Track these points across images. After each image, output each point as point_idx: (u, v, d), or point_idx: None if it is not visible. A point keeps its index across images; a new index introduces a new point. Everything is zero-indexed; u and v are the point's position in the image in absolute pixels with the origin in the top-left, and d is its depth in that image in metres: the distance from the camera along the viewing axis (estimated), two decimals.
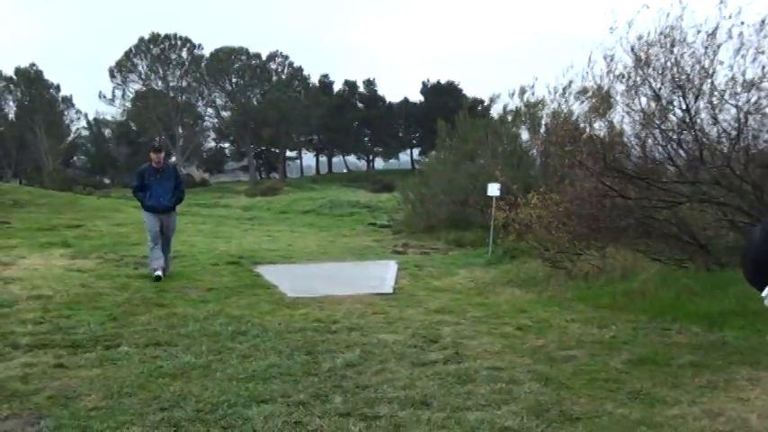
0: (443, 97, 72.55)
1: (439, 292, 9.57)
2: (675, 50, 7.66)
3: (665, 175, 8.47)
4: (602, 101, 9.65)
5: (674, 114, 8.02)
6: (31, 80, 71.29)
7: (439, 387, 5.19)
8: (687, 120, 7.92)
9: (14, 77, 71.43)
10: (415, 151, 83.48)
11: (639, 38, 7.91)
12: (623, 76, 8.29)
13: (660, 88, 7.87)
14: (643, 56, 7.86)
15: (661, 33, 7.74)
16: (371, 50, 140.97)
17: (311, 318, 7.75)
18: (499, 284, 10.26)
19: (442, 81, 77.93)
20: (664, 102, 7.88)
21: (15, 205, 18.12)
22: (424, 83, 79.17)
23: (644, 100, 8.34)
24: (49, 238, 13.76)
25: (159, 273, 10.17)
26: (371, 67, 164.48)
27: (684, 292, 7.85)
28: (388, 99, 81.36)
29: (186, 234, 17.04)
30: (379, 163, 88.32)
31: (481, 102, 49.15)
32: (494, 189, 13.05)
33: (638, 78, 8.01)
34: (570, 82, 10.28)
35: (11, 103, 72.75)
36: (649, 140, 8.37)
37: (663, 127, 8.19)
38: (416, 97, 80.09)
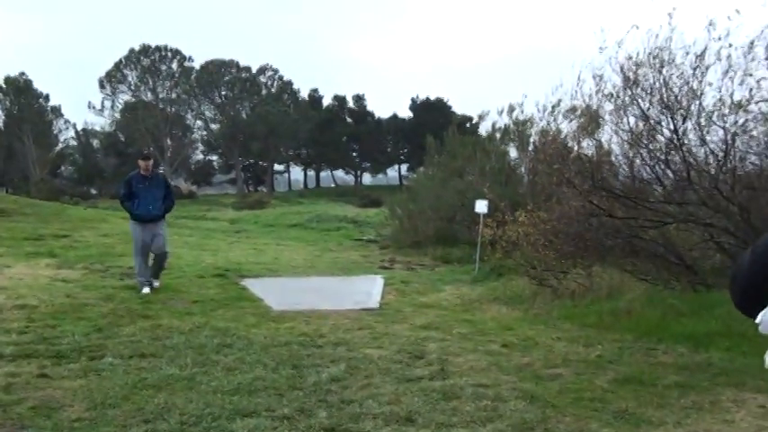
0: (432, 114, 72.73)
1: (425, 309, 9.57)
2: (664, 71, 7.73)
3: (653, 195, 8.52)
4: (590, 120, 9.71)
5: (662, 135, 8.08)
6: (20, 89, 71.00)
7: (424, 403, 5.18)
8: (675, 140, 7.98)
9: (3, 86, 71.14)
10: (404, 167, 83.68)
11: (629, 58, 7.98)
12: (612, 96, 8.35)
13: (648, 108, 7.94)
14: (632, 76, 7.93)
15: (650, 54, 7.81)
16: (361, 66, 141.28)
17: (297, 332, 7.72)
18: (485, 301, 10.26)
19: (432, 98, 78.22)
20: (652, 122, 7.94)
21: (1, 214, 18.01)
22: (413, 99, 79.43)
23: (632, 120, 8.40)
24: (35, 248, 13.68)
25: (146, 290, 9.84)
26: (361, 82, 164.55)
27: (670, 312, 7.88)
28: (377, 114, 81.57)
29: (173, 246, 16.82)
30: (366, 178, 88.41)
31: (470, 119, 49.42)
32: (481, 206, 13.08)
33: (626, 98, 8.08)
34: (559, 100, 10.35)
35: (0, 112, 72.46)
36: (637, 160, 8.43)
37: (651, 147, 8.25)
38: (405, 113, 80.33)
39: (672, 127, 8.00)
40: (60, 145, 78.36)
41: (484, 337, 7.66)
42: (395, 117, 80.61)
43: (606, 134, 9.41)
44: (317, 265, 14.77)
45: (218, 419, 4.70)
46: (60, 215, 19.93)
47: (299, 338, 7.36)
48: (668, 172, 8.57)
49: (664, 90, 7.73)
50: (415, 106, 78.53)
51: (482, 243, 12.89)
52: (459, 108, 77.82)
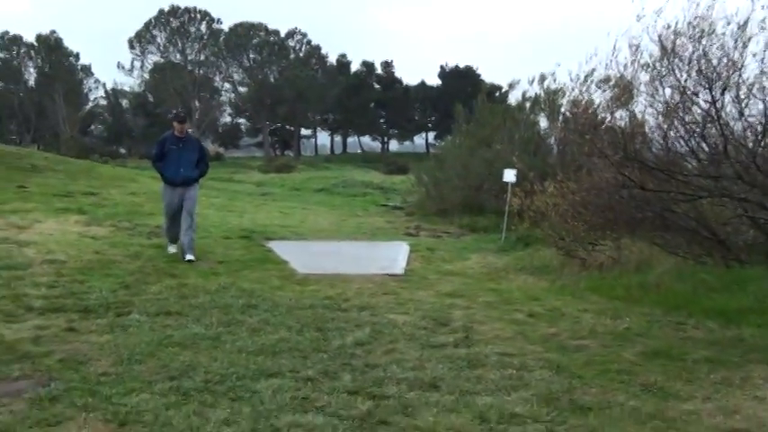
0: (461, 81, 72.27)
1: (450, 276, 9.51)
2: (704, 42, 7.52)
3: (686, 168, 8.34)
4: (623, 90, 9.51)
5: (699, 107, 7.88)
6: (51, 47, 71.46)
7: (449, 370, 5.15)
8: (713, 113, 7.78)
9: (35, 44, 71.59)
10: (431, 135, 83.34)
11: (667, 27, 7.77)
12: (648, 66, 8.16)
13: (686, 80, 7.74)
14: (670, 46, 7.72)
15: (690, 23, 7.59)
16: (390, 32, 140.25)
17: (322, 295, 7.72)
18: (512, 271, 10.18)
19: (461, 65, 77.57)
20: (689, 93, 7.74)
21: (33, 170, 18.13)
22: (442, 66, 78.99)
23: (668, 91, 8.20)
24: (64, 204, 13.77)
25: (172, 249, 9.76)
26: (390, 48, 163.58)
27: (701, 287, 7.75)
28: (405, 81, 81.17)
29: (199, 207, 16.96)
30: (393, 145, 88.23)
31: (499, 88, 48.93)
32: (510, 175, 12.94)
33: (663, 69, 7.88)
34: (593, 70, 10.10)
35: (31, 70, 73.03)
36: (672, 132, 8.23)
37: (686, 119, 8.05)
38: (434, 81, 79.82)
39: (709, 99, 7.80)
40: (90, 104, 79.04)
41: (510, 306, 7.60)
42: (423, 84, 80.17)
43: (640, 105, 9.22)
44: (342, 230, 14.75)
45: (243, 379, 4.70)
46: (90, 173, 20.05)
47: (324, 302, 7.36)
48: (703, 145, 8.38)
49: (702, 61, 7.53)
50: (444, 74, 78.02)
51: (510, 212, 12.76)
52: (487, 77, 77.21)
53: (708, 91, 7.75)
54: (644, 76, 8.59)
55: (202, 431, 3.85)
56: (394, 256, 10.89)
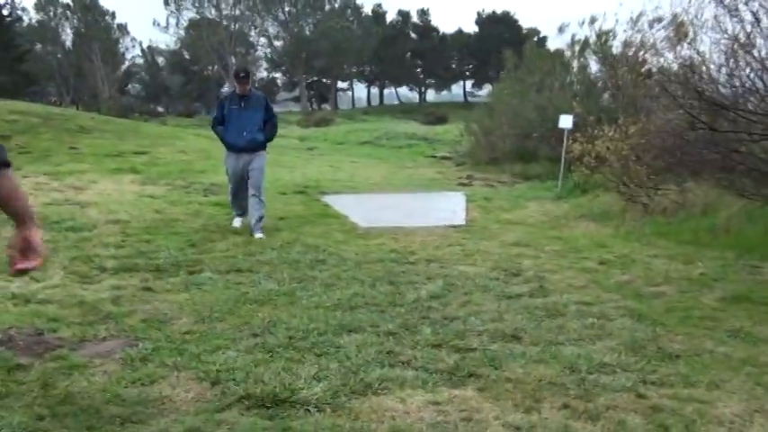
0: (498, 28, 71.19)
1: (511, 225, 9.41)
2: None
3: (758, 107, 8.04)
4: (678, 29, 9.20)
5: None
6: (86, 7, 71.53)
7: (528, 320, 5.10)
8: None
9: (71, 4, 71.78)
10: (468, 83, 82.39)
11: None
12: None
13: (758, 11, 7.42)
14: None
15: None
16: None
17: (387, 248, 7.69)
18: (572, 218, 10.05)
19: (498, 11, 76.22)
20: (762, 28, 7.42)
21: (81, 131, 18.30)
22: (478, 13, 77.66)
23: (737, 26, 7.88)
24: (117, 164, 13.90)
25: (237, 223, 8.71)
26: None
27: None
28: (441, 30, 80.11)
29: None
30: (430, 95, 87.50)
31: (537, 32, 47.99)
32: (566, 121, 12.66)
33: (735, 3, 7.56)
34: (642, 11, 9.74)
35: (68, 30, 73.32)
36: (747, 69, 7.92)
37: (756, 55, 7.74)
38: (471, 28, 78.61)
39: None
40: (127, 63, 79.30)
41: (578, 254, 7.50)
42: (460, 32, 79.02)
43: (703, 45, 8.90)
44: (394, 182, 14.69)
45: (325, 334, 4.69)
46: (137, 132, 20.17)
47: (391, 255, 7.32)
48: None
49: None
50: (481, 20, 76.79)
51: (569, 159, 12.54)
52: (525, 22, 75.77)
53: None
54: (708, 12, 8.29)
55: (294, 387, 3.84)
56: (452, 207, 10.81)
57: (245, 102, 8.41)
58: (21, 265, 2.49)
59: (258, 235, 8.21)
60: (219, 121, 8.52)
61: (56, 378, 3.90)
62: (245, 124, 8.35)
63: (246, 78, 8.46)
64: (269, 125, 8.59)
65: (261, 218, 8.43)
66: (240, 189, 8.59)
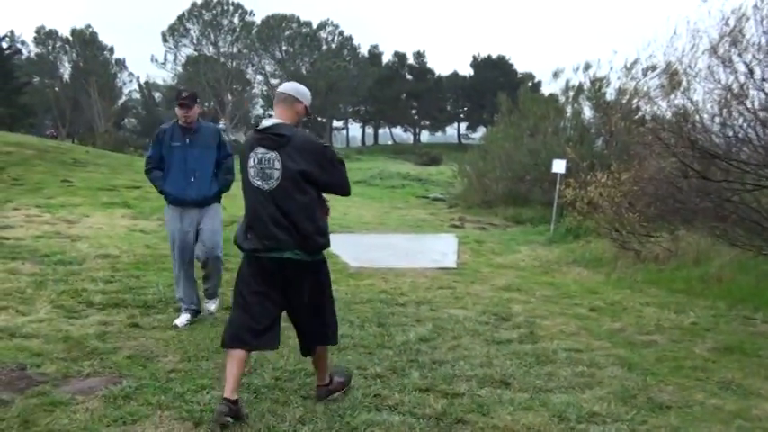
0: (493, 71, 71.95)
1: (503, 269, 9.39)
2: None
3: (751, 157, 8.09)
4: (671, 78, 9.31)
5: (765, 91, 7.63)
6: (86, 42, 72.09)
7: (517, 366, 5.06)
8: None
9: (70, 38, 72.32)
10: (463, 125, 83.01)
11: (733, 11, 7.54)
12: (711, 50, 7.92)
13: (751, 62, 7.50)
14: (736, 29, 7.49)
15: (755, 6, 7.36)
16: (422, 22, 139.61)
17: (377, 289, 7.66)
18: (564, 263, 10.02)
19: (493, 55, 77.07)
20: (755, 79, 7.50)
21: (76, 164, 18.30)
22: (474, 56, 78.54)
23: (731, 77, 7.97)
24: (110, 198, 13.85)
25: (182, 320, 5.92)
26: (422, 39, 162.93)
27: (765, 279, 7.56)
28: (437, 72, 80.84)
29: (242, 200, 17.01)
30: (424, 136, 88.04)
31: (532, 77, 48.49)
32: (559, 166, 12.72)
33: (728, 54, 7.65)
34: (636, 59, 9.85)
35: (66, 64, 73.73)
36: (740, 119, 7.97)
37: (748, 106, 7.81)
38: (466, 71, 79.39)
39: None
40: (124, 97, 79.66)
41: (569, 300, 7.47)
42: (455, 75, 79.81)
43: (697, 94, 8.99)
44: (387, 222, 14.67)
45: (312, 376, 4.63)
46: (131, 166, 20.17)
47: (381, 296, 7.29)
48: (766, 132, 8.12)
49: None
50: (476, 63, 77.60)
51: (561, 204, 12.56)
52: (520, 67, 76.66)
53: None
54: (704, 62, 8.38)
55: (279, 430, 3.79)
56: (444, 249, 10.78)
57: (191, 137, 6.03)
58: None
59: (210, 306, 6.40)
60: (156, 164, 6.11)
61: (37, 415, 3.83)
62: (193, 168, 5.99)
63: (192, 103, 6.01)
64: (223, 168, 6.19)
65: (217, 285, 6.46)
66: (188, 262, 6.19)
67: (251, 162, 4.10)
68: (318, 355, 4.29)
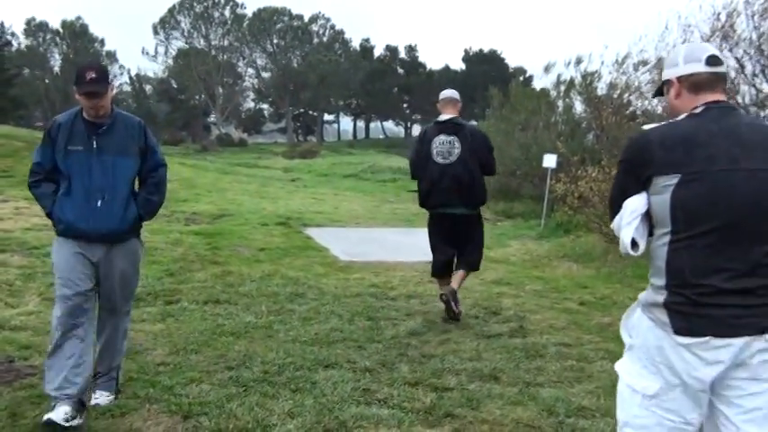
0: (485, 65, 71.81)
1: (493, 264, 9.37)
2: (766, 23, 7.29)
3: None
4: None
5: (756, 87, 7.67)
6: (76, 34, 71.73)
7: (507, 361, 5.07)
8: None
9: (60, 30, 71.93)
10: None
11: (724, 7, 7.56)
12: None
13: (742, 57, 7.53)
14: (727, 25, 7.52)
15: (746, 2, 7.39)
16: (414, 16, 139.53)
17: (367, 283, 7.65)
18: (554, 258, 10.03)
19: (485, 50, 77.03)
20: (746, 74, 7.54)
21: None
22: (466, 50, 78.33)
23: None
24: None
25: (58, 414, 3.54)
26: (414, 32, 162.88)
27: None
28: (428, 66, 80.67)
29: (233, 193, 17.03)
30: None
31: (523, 71, 48.51)
32: (550, 160, 12.70)
33: (720, 49, 7.67)
34: (627, 54, 9.85)
35: (56, 56, 73.32)
36: None
37: (740, 101, 7.85)
38: (458, 65, 79.31)
39: None
40: (114, 90, 79.10)
41: (559, 295, 7.49)
42: (447, 69, 79.64)
43: None
44: (377, 216, 14.63)
45: (301, 369, 4.65)
46: None
47: (371, 290, 7.29)
48: None
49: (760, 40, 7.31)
50: (468, 58, 77.46)
51: (551, 198, 12.55)
52: (512, 61, 76.70)
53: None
54: None
55: (267, 423, 3.79)
56: None
57: (100, 138, 3.95)
58: None
59: (101, 398, 4.02)
60: (46, 174, 4.00)
61: (25, 407, 3.82)
62: (101, 185, 3.90)
63: (104, 87, 3.97)
64: (149, 184, 4.19)
65: (119, 366, 4.21)
66: (78, 318, 3.82)
67: (434, 144, 6.10)
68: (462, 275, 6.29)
